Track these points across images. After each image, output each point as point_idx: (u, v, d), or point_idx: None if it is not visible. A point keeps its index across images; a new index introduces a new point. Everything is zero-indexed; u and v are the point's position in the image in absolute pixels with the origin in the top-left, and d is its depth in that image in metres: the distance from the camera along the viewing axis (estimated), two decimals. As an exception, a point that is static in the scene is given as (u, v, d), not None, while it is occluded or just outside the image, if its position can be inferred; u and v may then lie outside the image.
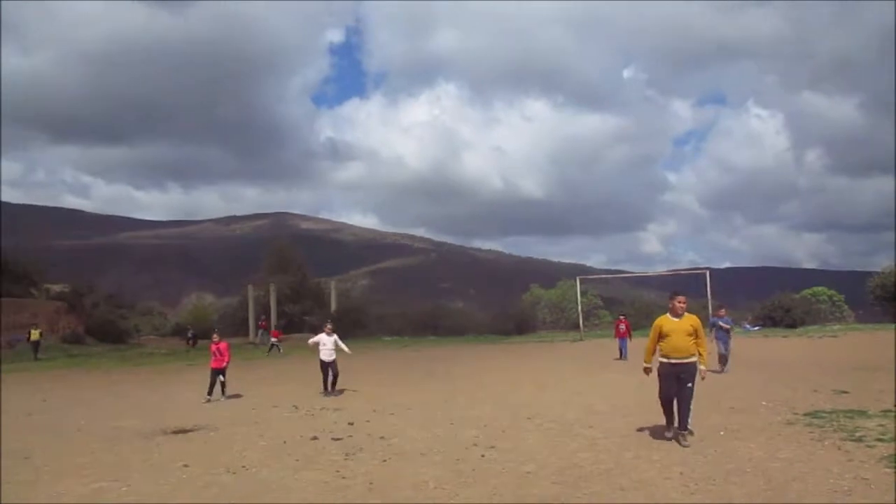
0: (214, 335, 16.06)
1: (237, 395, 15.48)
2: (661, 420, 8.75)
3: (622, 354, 22.55)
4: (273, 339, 34.46)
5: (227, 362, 15.43)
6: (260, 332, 42.15)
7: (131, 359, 33.23)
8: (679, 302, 8.91)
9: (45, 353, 33.72)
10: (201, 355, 32.77)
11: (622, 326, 23.46)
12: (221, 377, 15.21)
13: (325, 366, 15.51)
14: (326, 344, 15.66)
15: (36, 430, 11.80)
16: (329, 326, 16.10)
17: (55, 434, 11.35)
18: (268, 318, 44.76)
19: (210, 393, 15.00)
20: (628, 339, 23.22)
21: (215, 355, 15.33)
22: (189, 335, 42.85)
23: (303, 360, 27.87)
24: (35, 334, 33.49)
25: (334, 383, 15.42)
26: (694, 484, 6.76)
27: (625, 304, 50.72)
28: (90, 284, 68.24)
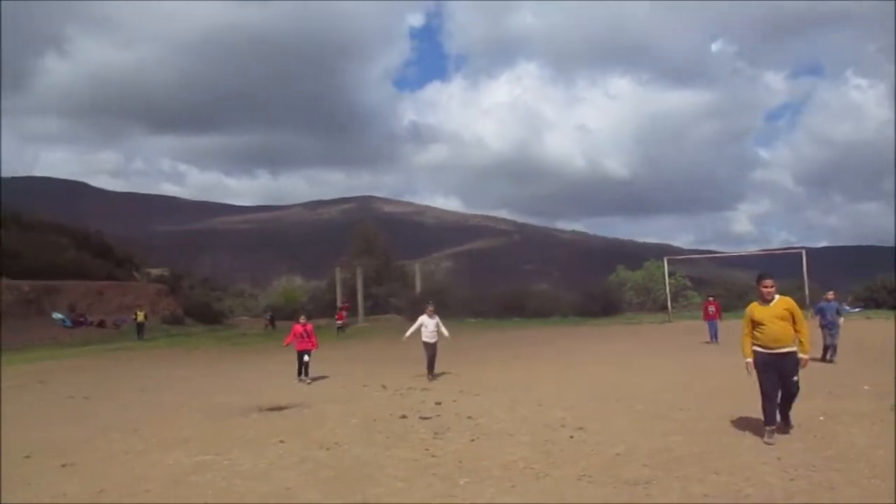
0: (302, 316, 15.95)
1: (323, 377, 15.72)
2: (757, 404, 8.24)
3: (713, 337, 21.57)
4: (338, 322, 35.80)
5: (315, 346, 15.43)
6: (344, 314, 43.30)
7: (227, 339, 34.58)
8: (765, 286, 7.96)
9: (148, 333, 35.45)
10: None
11: (711, 308, 22.31)
12: (307, 357, 15.10)
13: (428, 348, 14.93)
14: (428, 326, 15.04)
15: (143, 406, 12.47)
16: (431, 307, 15.40)
17: (161, 409, 11.96)
18: (350, 301, 45.80)
19: (300, 374, 15.10)
20: (719, 321, 22.07)
21: (302, 337, 15.19)
22: (268, 317, 44.98)
23: (387, 341, 28.38)
24: (140, 315, 35.11)
25: (431, 366, 14.88)
26: (793, 469, 6.55)
27: (715, 285, 49.33)
28: (187, 268, 71.48)
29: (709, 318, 22.20)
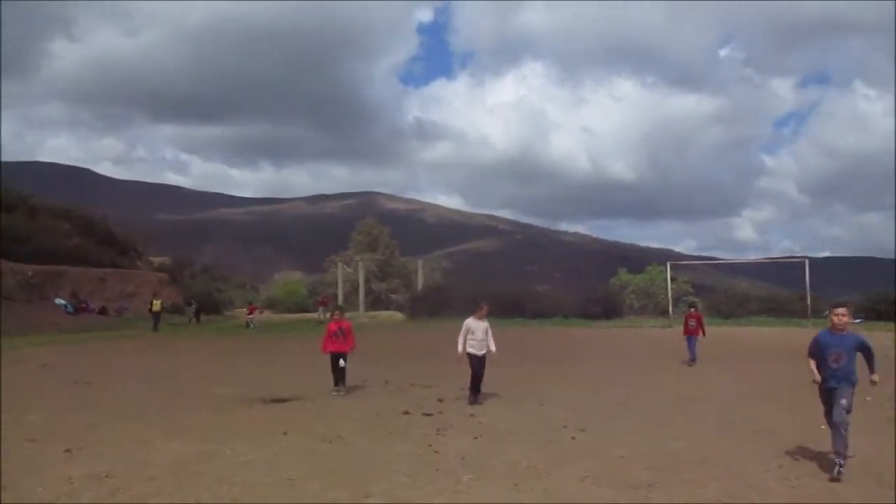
0: (336, 312, 13.27)
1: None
2: (760, 410, 8.21)
3: (691, 356, 17.53)
4: (248, 316, 35.83)
5: (353, 346, 12.49)
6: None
7: (228, 330, 34.58)
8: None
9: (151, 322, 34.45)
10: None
11: (692, 322, 18.03)
12: (342, 361, 12.31)
13: (476, 362, 11.34)
14: (476, 333, 11.33)
15: (146, 394, 12.50)
16: (484, 308, 11.71)
17: (164, 398, 11.98)
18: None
19: (338, 384, 12.29)
20: (699, 338, 17.84)
21: (337, 336, 12.39)
22: (193, 309, 40.56)
23: (388, 338, 28.43)
24: (157, 305, 33.39)
25: (477, 386, 11.36)
26: (795, 478, 6.57)
27: (717, 292, 49.42)
28: (188, 258, 71.43)
29: (688, 334, 18.06)
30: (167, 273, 51.27)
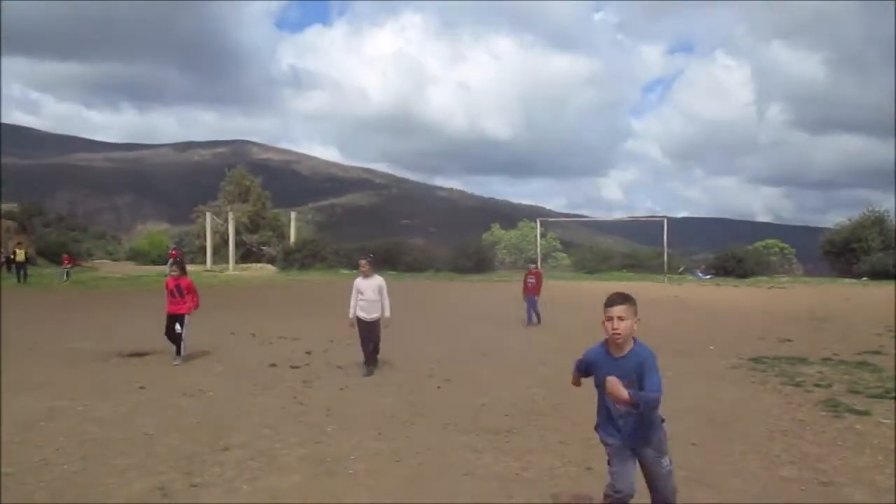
0: (175, 267, 11.22)
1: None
2: None
3: (530, 318, 16.26)
4: (66, 266, 34.10)
5: (193, 308, 10.77)
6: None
7: (85, 282, 32.69)
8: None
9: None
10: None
11: (531, 280, 16.57)
12: (179, 326, 10.52)
13: (364, 328, 10.01)
14: (365, 293, 9.98)
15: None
16: (365, 263, 10.37)
17: (12, 353, 11.18)
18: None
19: (179, 353, 10.56)
20: (538, 298, 16.51)
21: (174, 295, 10.61)
22: (2, 259, 34.91)
23: (260, 291, 27.87)
24: (20, 255, 30.83)
25: (374, 352, 10.05)
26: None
27: (583, 248, 51.60)
28: (40, 205, 66.71)
29: (528, 293, 16.52)
30: (15, 220, 47.58)
